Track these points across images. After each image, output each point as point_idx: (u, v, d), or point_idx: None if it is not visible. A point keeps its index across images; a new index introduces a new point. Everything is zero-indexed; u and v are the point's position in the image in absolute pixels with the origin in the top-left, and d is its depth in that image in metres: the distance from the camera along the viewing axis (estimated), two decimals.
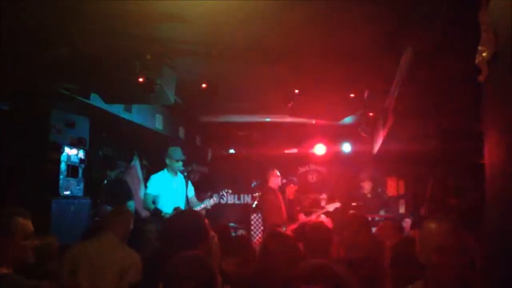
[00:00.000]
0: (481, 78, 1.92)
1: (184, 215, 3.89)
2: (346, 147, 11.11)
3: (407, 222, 8.36)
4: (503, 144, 1.70)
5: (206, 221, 3.39)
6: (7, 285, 2.70)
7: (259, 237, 10.42)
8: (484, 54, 1.83)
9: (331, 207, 9.13)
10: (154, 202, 7.28)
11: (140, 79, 5.43)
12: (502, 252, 1.82)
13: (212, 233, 3.49)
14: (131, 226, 4.39)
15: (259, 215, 10.46)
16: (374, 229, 5.13)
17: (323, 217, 8.05)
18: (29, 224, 2.93)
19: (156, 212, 7.03)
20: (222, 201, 9.04)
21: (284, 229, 8.14)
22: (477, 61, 1.93)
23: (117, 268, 4.04)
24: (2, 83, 5.53)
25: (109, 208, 6.96)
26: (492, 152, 1.87)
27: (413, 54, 4.20)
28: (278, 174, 8.99)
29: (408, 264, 3.12)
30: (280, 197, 8.87)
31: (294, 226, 8.58)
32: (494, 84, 1.80)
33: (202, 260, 2.31)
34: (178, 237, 3.03)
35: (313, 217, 8.83)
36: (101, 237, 4.21)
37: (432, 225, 2.55)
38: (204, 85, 6.14)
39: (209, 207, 7.75)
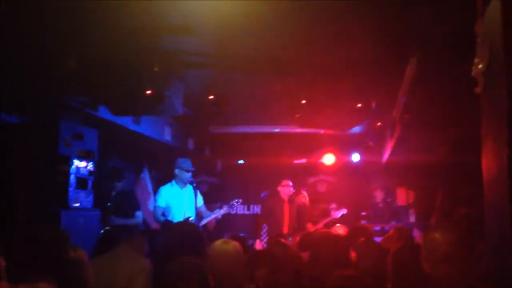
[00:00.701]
0: (477, 89, 1.93)
1: (181, 227, 3.94)
2: (355, 157, 11.09)
3: (416, 232, 8.32)
4: (498, 152, 1.72)
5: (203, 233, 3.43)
6: None
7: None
8: (479, 66, 1.84)
9: (338, 214, 9.15)
10: (164, 214, 7.30)
11: (148, 91, 5.47)
12: (500, 259, 1.82)
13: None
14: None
15: None
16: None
17: (338, 226, 8.00)
18: None
19: (167, 224, 7.05)
20: (232, 212, 9.05)
21: (290, 240, 8.11)
22: (473, 73, 1.94)
23: (127, 274, 4.04)
24: (11, 96, 5.60)
25: (116, 219, 7.00)
26: (488, 160, 1.88)
27: (418, 65, 4.20)
28: (290, 184, 8.97)
29: (409, 271, 3.12)
30: (287, 207, 8.82)
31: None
32: (489, 95, 1.82)
33: (197, 264, 2.28)
34: (176, 249, 3.05)
35: (319, 226, 8.81)
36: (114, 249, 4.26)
37: (438, 234, 2.53)
38: (211, 97, 6.16)
39: (219, 217, 7.76)
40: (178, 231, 3.64)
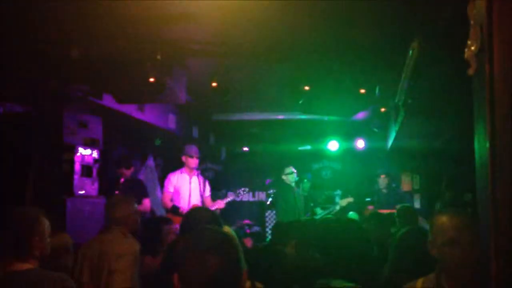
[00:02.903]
0: (470, 71, 1.95)
1: (201, 210, 3.98)
2: (360, 143, 11.10)
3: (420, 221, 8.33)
4: (488, 135, 1.74)
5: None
6: (34, 278, 2.88)
7: None
8: (472, 48, 1.86)
9: (344, 202, 9.20)
10: (171, 200, 7.38)
11: (151, 79, 5.49)
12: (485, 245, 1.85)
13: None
14: (135, 214, 4.44)
15: (274, 212, 10.51)
16: None
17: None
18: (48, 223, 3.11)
19: (174, 209, 7.12)
20: (237, 199, 9.10)
21: None
22: (466, 55, 1.96)
23: (113, 257, 4.13)
24: (16, 86, 5.63)
25: None
26: (480, 142, 1.91)
27: (420, 49, 4.20)
28: (294, 170, 9.01)
29: (413, 254, 3.14)
30: (296, 194, 8.89)
31: None
32: (480, 77, 1.84)
33: (228, 235, 1.89)
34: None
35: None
36: (105, 231, 4.33)
37: (445, 218, 2.53)
38: (214, 84, 6.18)
39: (222, 205, 7.82)
40: (196, 216, 3.66)
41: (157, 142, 5.30)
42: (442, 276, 2.54)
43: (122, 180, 7.27)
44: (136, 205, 4.57)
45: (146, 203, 7.27)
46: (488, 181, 1.74)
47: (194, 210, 4.27)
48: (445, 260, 2.50)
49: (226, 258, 1.79)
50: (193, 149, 7.55)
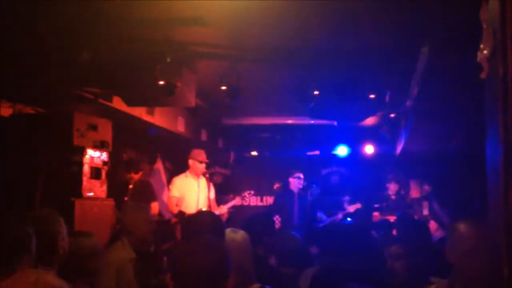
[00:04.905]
0: (482, 75, 1.94)
1: (202, 214, 3.97)
2: (369, 149, 11.05)
3: (431, 224, 8.31)
4: (501, 139, 1.73)
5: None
6: None
7: None
8: (485, 52, 1.85)
9: (352, 208, 9.18)
10: (177, 205, 7.35)
11: (161, 82, 5.50)
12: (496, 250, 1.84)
13: None
14: (147, 223, 4.40)
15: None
16: None
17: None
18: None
19: (181, 215, 7.10)
20: (245, 203, 9.08)
21: None
22: (478, 58, 1.95)
23: (119, 262, 4.10)
24: (26, 88, 5.66)
25: None
26: (491, 147, 1.89)
27: (430, 54, 4.18)
28: (301, 176, 8.98)
29: None
30: (297, 200, 8.84)
31: None
32: (493, 82, 1.83)
33: (210, 244, 2.11)
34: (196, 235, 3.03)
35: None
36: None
37: (467, 227, 2.51)
38: (223, 87, 6.18)
39: (231, 209, 7.83)
40: (197, 220, 3.64)
41: (153, 132, 5.24)
42: (457, 284, 2.53)
43: (130, 186, 7.29)
44: (150, 213, 4.53)
45: (155, 206, 7.27)
46: (501, 186, 1.72)
47: (195, 215, 4.26)
48: (463, 269, 2.48)
49: (213, 258, 1.98)
50: (201, 154, 7.53)
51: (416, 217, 8.49)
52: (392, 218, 8.49)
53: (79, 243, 3.43)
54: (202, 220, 3.48)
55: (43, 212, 3.11)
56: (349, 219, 9.14)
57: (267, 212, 8.34)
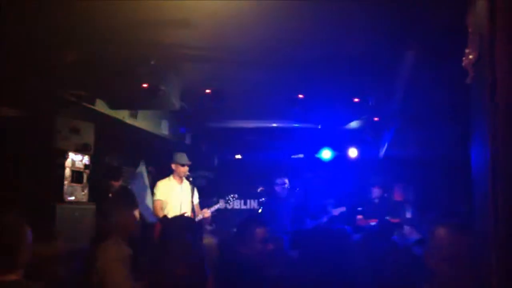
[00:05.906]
0: (468, 80, 1.93)
1: (179, 219, 3.98)
2: (353, 152, 11.06)
3: (406, 229, 8.26)
4: (485, 145, 1.72)
5: None
6: None
7: None
8: (470, 57, 1.84)
9: (336, 212, 9.19)
10: (162, 208, 7.30)
11: (145, 85, 5.45)
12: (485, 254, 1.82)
13: None
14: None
15: None
16: None
17: None
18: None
19: (163, 219, 7.04)
20: (228, 206, 9.04)
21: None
22: (464, 63, 1.94)
23: (108, 260, 4.11)
24: (8, 90, 5.57)
25: None
26: (476, 153, 1.88)
27: (415, 58, 4.19)
28: (286, 181, 8.95)
29: None
30: (285, 205, 8.82)
31: None
32: (478, 86, 1.82)
33: (187, 249, 2.16)
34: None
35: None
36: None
37: (445, 233, 2.45)
38: (208, 91, 6.14)
39: (214, 212, 7.77)
40: (176, 225, 3.64)
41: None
42: None
43: (110, 194, 7.22)
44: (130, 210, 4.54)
45: (136, 214, 7.21)
46: (489, 192, 1.71)
47: (173, 219, 4.25)
48: (442, 274, 2.43)
49: (191, 265, 2.00)
50: (183, 157, 7.52)
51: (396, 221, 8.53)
52: (373, 221, 8.54)
53: None
54: (180, 225, 3.48)
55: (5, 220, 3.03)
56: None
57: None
